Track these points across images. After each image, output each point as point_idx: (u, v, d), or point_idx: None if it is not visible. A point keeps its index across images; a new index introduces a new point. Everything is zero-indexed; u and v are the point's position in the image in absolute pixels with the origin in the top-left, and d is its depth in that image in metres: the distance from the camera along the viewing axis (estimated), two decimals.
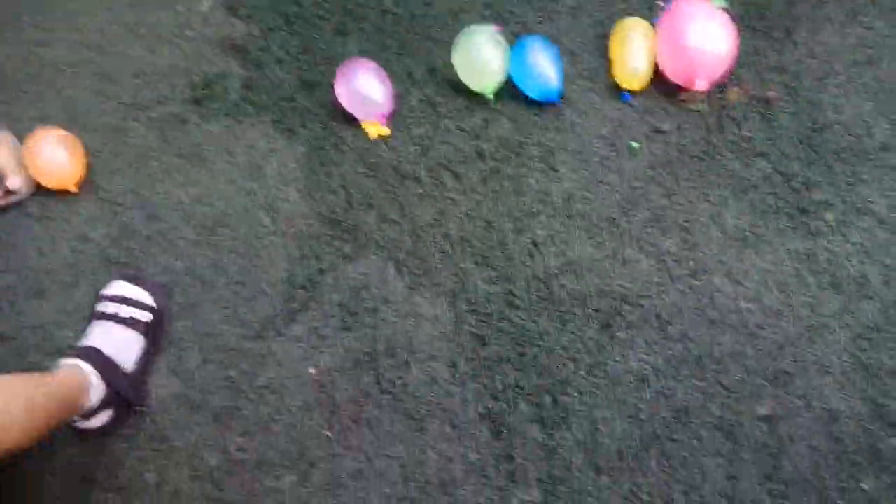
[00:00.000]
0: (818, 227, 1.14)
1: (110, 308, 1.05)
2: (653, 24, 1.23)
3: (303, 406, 1.05)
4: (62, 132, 1.17)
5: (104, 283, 1.11)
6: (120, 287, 1.08)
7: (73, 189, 1.17)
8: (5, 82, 1.28)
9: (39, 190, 1.20)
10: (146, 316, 1.06)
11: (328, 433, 1.02)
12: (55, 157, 1.15)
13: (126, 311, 1.05)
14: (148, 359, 1.05)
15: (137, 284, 1.08)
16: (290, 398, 1.05)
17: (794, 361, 1.06)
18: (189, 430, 1.03)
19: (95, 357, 0.98)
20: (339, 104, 1.21)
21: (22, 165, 1.16)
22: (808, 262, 1.12)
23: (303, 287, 1.13)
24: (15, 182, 1.15)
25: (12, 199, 1.17)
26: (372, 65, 1.20)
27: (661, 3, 1.27)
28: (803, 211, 1.15)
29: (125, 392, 0.99)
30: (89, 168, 1.20)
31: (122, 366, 1.00)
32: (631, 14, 1.27)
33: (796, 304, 1.10)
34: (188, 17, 1.33)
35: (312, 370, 1.07)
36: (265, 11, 1.33)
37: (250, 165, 1.21)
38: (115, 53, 1.31)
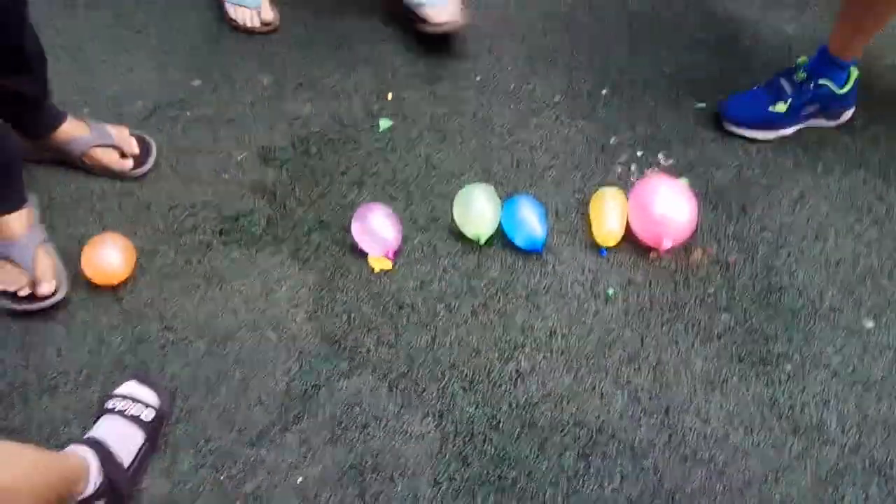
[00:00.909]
0: (778, 377, 1.25)
1: (119, 405, 1.12)
2: (626, 193, 1.43)
3: None
4: (123, 239, 1.35)
5: (114, 386, 1.18)
6: (130, 387, 1.15)
7: (115, 282, 1.32)
8: (56, 207, 1.45)
9: (82, 284, 1.31)
10: (150, 415, 1.12)
11: None
12: (111, 257, 1.32)
13: (133, 409, 1.11)
14: (146, 456, 1.10)
15: (146, 385, 1.16)
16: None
17: (760, 500, 1.11)
18: None
19: (98, 448, 1.03)
20: (353, 239, 1.36)
21: (54, 274, 1.29)
22: (771, 406, 1.21)
23: (299, 399, 1.20)
24: (45, 288, 1.27)
25: (43, 304, 1.28)
26: (386, 209, 1.38)
27: (661, 160, 1.49)
28: (764, 361, 1.26)
29: (121, 485, 1.03)
30: (132, 273, 1.34)
31: (121, 460, 1.05)
32: (607, 185, 1.47)
33: (761, 445, 1.17)
34: (226, 163, 1.53)
35: (299, 479, 1.12)
36: (294, 163, 1.53)
37: (264, 288, 1.34)
38: (156, 189, 1.48)
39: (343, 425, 1.18)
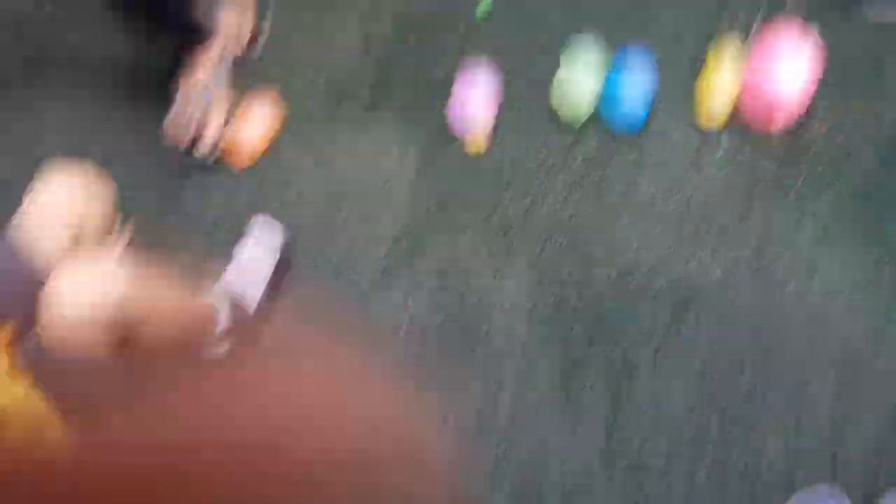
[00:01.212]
0: (890, 247, 1.19)
1: (254, 233, 1.30)
2: (746, 50, 1.33)
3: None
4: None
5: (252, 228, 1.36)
6: (261, 222, 1.33)
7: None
8: None
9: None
10: (278, 243, 1.30)
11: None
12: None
13: (263, 242, 1.29)
14: (276, 283, 1.27)
15: (272, 224, 1.33)
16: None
17: (861, 360, 1.11)
18: None
19: (227, 296, 1.18)
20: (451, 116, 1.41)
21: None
22: (877, 270, 1.16)
23: (405, 252, 1.31)
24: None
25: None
26: (487, 80, 1.39)
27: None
28: (876, 231, 1.20)
29: (245, 323, 1.18)
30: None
31: (249, 303, 1.21)
32: (727, 38, 1.37)
33: (865, 308, 1.14)
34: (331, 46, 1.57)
35: (406, 320, 1.25)
36: (396, 49, 1.55)
37: (374, 153, 1.42)
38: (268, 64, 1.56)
39: (446, 277, 1.28)
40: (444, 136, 1.41)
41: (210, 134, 1.41)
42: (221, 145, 1.43)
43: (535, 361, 1.17)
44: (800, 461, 1.06)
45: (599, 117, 1.37)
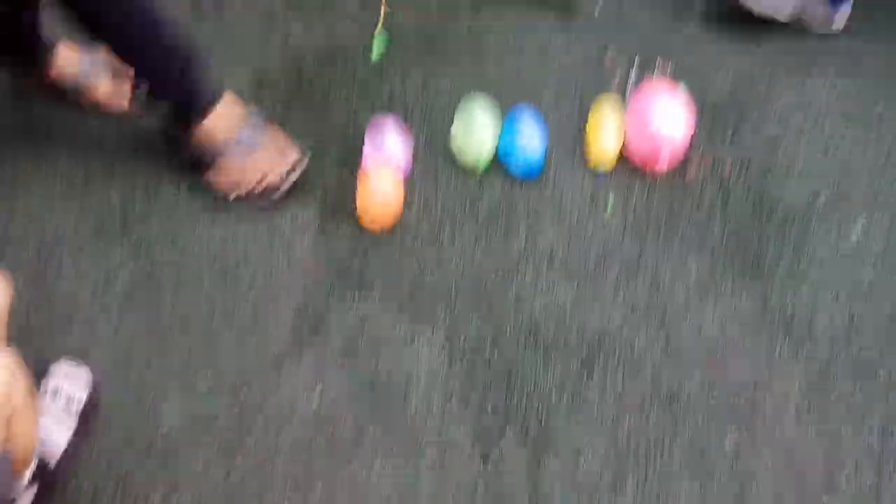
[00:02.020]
0: (771, 283, 1.29)
1: (48, 390, 1.11)
2: (625, 101, 1.43)
3: (303, 434, 1.14)
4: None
5: (130, 317, 1.23)
6: (61, 372, 1.14)
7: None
8: (49, 138, 1.44)
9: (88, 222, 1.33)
10: (80, 402, 1.12)
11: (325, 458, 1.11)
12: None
13: (62, 397, 1.10)
14: (77, 445, 1.09)
15: (78, 370, 1.14)
16: (290, 427, 1.15)
17: (754, 401, 1.17)
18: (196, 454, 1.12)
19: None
20: (364, 156, 1.38)
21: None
22: (763, 311, 1.26)
23: (310, 325, 1.24)
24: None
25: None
26: (399, 124, 1.39)
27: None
28: (757, 268, 1.30)
29: (48, 480, 1.03)
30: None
31: (48, 459, 1.04)
32: (605, 95, 1.46)
33: (755, 348, 1.23)
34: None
35: (314, 401, 1.17)
36: (287, 86, 1.51)
37: (272, 215, 1.35)
38: (150, 122, 1.47)
39: (354, 347, 1.22)
40: (342, 196, 1.38)
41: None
42: None
43: (451, 428, 1.15)
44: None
45: (499, 165, 1.40)
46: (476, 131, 1.38)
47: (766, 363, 1.21)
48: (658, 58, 1.54)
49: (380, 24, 1.59)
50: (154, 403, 1.17)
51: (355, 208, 1.34)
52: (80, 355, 1.18)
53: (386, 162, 1.35)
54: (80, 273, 1.29)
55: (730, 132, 1.46)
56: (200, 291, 1.27)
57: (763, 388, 1.19)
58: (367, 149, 1.37)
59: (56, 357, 1.16)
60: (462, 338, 1.23)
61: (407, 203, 1.36)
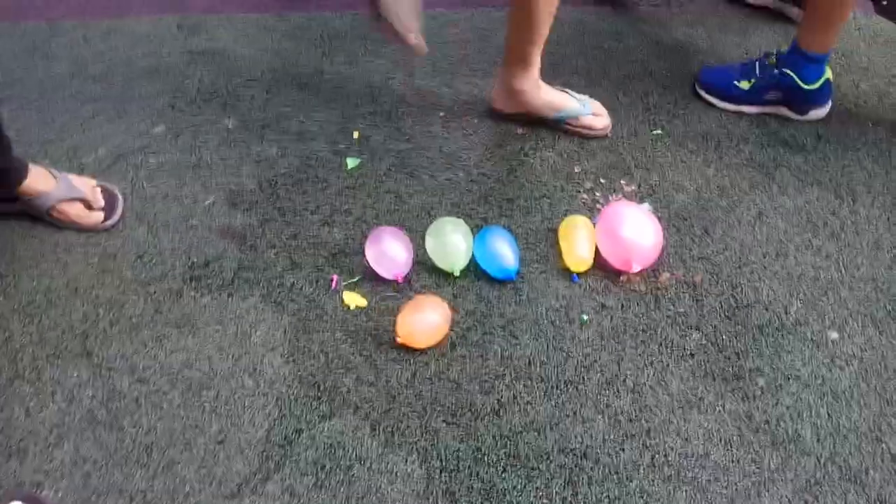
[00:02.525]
0: (752, 392, 1.27)
1: None
2: (592, 222, 1.46)
3: None
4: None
5: (89, 444, 1.15)
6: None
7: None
8: (19, 260, 1.41)
9: (48, 340, 1.27)
10: None
11: None
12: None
13: None
14: None
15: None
16: None
17: None
18: None
19: None
20: (366, 262, 1.39)
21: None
22: (747, 421, 1.23)
23: (280, 446, 1.18)
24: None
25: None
26: (398, 231, 1.41)
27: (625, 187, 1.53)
28: (737, 377, 1.29)
29: None
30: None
31: None
32: (573, 213, 1.50)
33: (741, 461, 1.19)
34: (193, 209, 1.52)
35: None
36: (263, 206, 1.53)
37: (238, 334, 1.32)
38: (121, 236, 1.46)
39: (326, 469, 1.16)
40: (315, 306, 1.35)
41: None
42: None
43: None
44: None
45: (475, 269, 1.41)
46: (449, 246, 1.39)
47: (754, 477, 1.17)
48: (622, 179, 1.60)
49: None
50: None
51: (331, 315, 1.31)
52: (36, 487, 1.09)
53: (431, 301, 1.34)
54: (39, 397, 1.23)
55: (696, 243, 1.49)
56: (162, 416, 1.21)
57: (753, 502, 1.14)
58: (370, 255, 1.38)
59: (10, 488, 1.09)
60: (439, 457, 1.18)
61: (377, 315, 1.34)
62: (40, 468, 1.15)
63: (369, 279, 1.39)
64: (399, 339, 1.28)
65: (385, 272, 1.37)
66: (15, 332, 1.31)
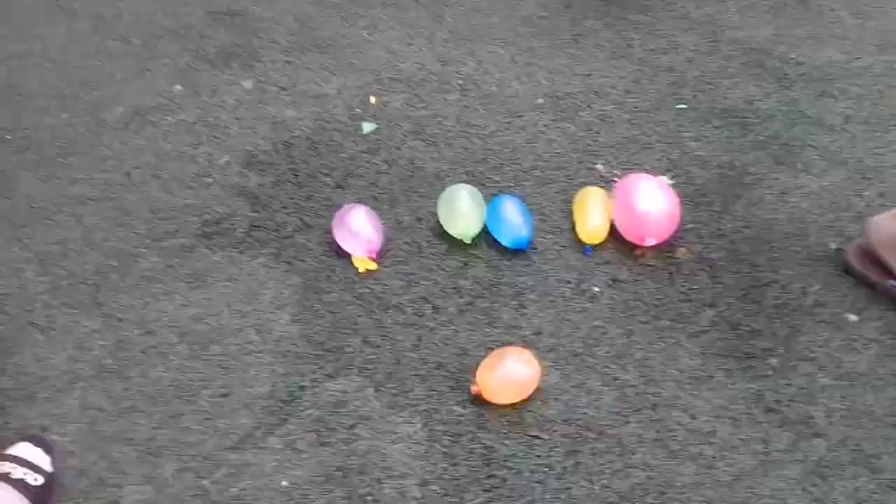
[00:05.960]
0: (764, 371, 1.25)
1: (6, 467, 1.05)
2: (608, 193, 1.44)
3: None
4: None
5: (97, 392, 1.16)
6: (21, 448, 1.08)
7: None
8: (31, 210, 1.43)
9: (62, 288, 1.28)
10: (39, 480, 1.05)
11: None
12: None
13: (18, 472, 1.04)
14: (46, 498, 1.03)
15: (41, 448, 1.09)
16: None
17: (750, 495, 1.10)
18: None
19: None
20: (335, 240, 1.35)
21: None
22: (757, 401, 1.21)
23: (284, 402, 1.18)
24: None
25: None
26: (364, 207, 1.37)
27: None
28: (749, 356, 1.26)
29: None
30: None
31: None
32: (590, 186, 1.48)
33: (749, 440, 1.17)
34: (208, 167, 1.52)
35: (285, 483, 1.10)
36: (277, 167, 1.52)
37: (248, 291, 1.32)
38: (136, 191, 1.47)
39: (329, 427, 1.16)
40: (325, 267, 1.35)
41: None
42: None
43: None
44: None
45: (487, 239, 1.39)
46: (461, 212, 1.37)
47: (761, 456, 1.15)
48: (642, 153, 1.56)
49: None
50: (116, 487, 1.09)
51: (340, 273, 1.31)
52: (44, 431, 1.11)
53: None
54: (50, 344, 1.24)
55: (716, 220, 1.46)
56: (169, 368, 1.22)
57: (759, 482, 1.12)
58: (336, 231, 1.35)
59: (18, 431, 1.10)
60: (442, 421, 1.17)
61: (387, 278, 1.33)
62: (48, 412, 1.16)
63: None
64: (474, 390, 1.19)
65: (356, 250, 1.35)
66: (29, 281, 1.33)
